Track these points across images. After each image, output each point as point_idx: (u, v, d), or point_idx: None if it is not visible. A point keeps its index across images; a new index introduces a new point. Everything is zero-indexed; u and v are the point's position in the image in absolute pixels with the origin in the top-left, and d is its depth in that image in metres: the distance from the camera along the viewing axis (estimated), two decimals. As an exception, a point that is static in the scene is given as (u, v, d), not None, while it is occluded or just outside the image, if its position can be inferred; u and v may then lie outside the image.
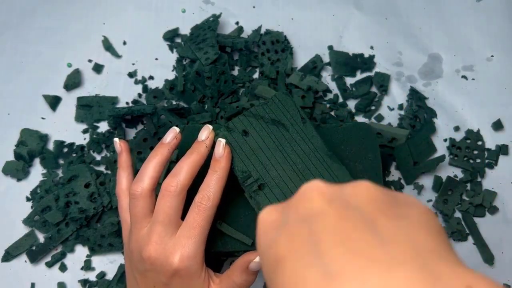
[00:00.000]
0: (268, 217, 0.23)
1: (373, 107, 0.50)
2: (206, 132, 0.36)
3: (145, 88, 0.50)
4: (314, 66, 0.51)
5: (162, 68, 0.51)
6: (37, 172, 0.47)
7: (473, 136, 0.49)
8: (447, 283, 0.16)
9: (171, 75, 0.51)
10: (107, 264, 0.44)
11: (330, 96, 0.50)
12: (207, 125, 0.36)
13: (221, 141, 0.35)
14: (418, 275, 0.16)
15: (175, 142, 0.37)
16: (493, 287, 0.16)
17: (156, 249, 0.33)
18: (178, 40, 0.53)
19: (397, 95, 0.51)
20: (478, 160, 0.48)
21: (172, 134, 0.36)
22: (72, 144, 0.48)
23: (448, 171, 0.48)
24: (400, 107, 0.50)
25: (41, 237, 0.45)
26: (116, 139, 0.39)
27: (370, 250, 0.17)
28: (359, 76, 0.52)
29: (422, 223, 0.19)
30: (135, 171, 0.46)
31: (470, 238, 0.45)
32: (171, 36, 0.53)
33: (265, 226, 0.22)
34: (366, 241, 0.18)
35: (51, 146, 0.48)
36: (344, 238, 0.18)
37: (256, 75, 0.51)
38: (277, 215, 0.22)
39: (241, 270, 0.34)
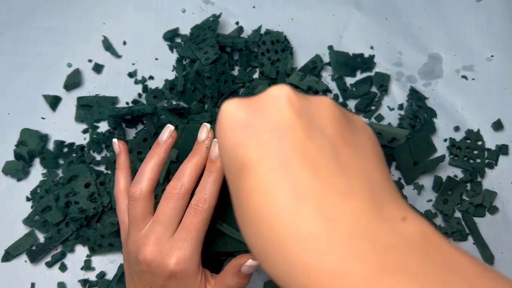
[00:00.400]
0: (233, 112, 0.22)
1: (373, 107, 0.50)
2: (205, 132, 0.36)
3: (145, 88, 0.50)
4: (314, 66, 0.51)
5: (162, 68, 0.51)
6: (37, 172, 0.47)
7: (473, 136, 0.49)
8: (388, 213, 0.18)
9: (171, 75, 0.51)
10: (107, 264, 0.44)
11: (330, 96, 0.50)
12: (205, 124, 0.36)
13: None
14: (367, 205, 0.18)
15: (171, 141, 0.37)
16: (422, 220, 0.18)
17: (153, 251, 0.33)
18: (178, 40, 0.53)
19: (397, 95, 0.51)
20: (478, 160, 0.48)
21: (168, 133, 0.36)
22: (72, 144, 0.48)
23: (448, 171, 0.48)
24: (400, 107, 0.50)
25: (41, 237, 0.45)
26: (114, 140, 0.39)
27: (332, 177, 0.19)
28: (359, 76, 0.52)
29: (372, 152, 0.21)
30: (135, 171, 0.46)
31: (470, 238, 0.45)
32: (171, 36, 0.53)
33: (230, 122, 0.22)
34: (329, 168, 0.19)
35: (51, 146, 0.48)
36: (311, 160, 0.19)
37: (256, 75, 0.51)
38: (244, 114, 0.22)
39: (233, 273, 0.34)
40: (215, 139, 0.35)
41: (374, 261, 0.16)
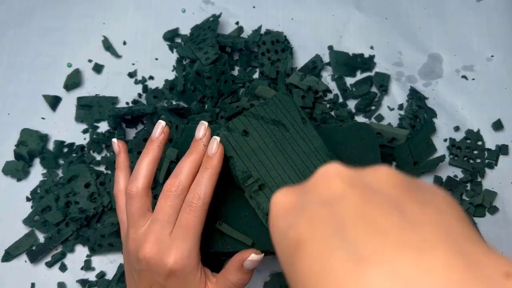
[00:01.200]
0: (283, 200, 0.22)
1: (373, 107, 0.50)
2: (202, 130, 0.36)
3: (145, 88, 0.50)
4: (314, 66, 0.51)
5: (162, 68, 0.51)
6: (37, 172, 0.47)
7: (473, 136, 0.49)
8: (485, 268, 0.15)
9: (171, 75, 0.51)
10: (107, 264, 0.44)
11: (330, 96, 0.50)
12: (202, 122, 0.36)
13: (216, 139, 0.35)
14: (455, 258, 0.15)
15: (164, 137, 0.37)
16: None
17: (152, 249, 0.33)
18: (178, 40, 0.53)
19: (397, 95, 0.51)
20: (478, 160, 0.48)
21: (160, 129, 0.37)
22: (72, 144, 0.48)
23: (448, 171, 0.48)
24: (400, 107, 0.50)
25: (41, 237, 0.45)
26: (114, 140, 0.39)
27: (399, 232, 0.16)
28: (359, 76, 0.52)
29: (449, 209, 0.18)
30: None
31: (470, 238, 0.45)
32: (171, 36, 0.53)
33: (280, 209, 0.21)
34: (394, 224, 0.17)
35: (51, 146, 0.48)
36: (370, 220, 0.17)
37: (256, 75, 0.51)
38: (293, 198, 0.21)
39: (236, 269, 0.34)
40: (214, 136, 0.35)
41: None
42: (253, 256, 0.34)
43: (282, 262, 0.20)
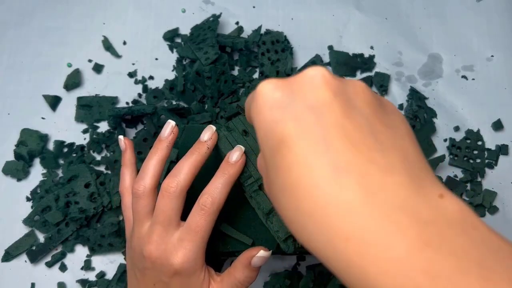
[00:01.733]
0: (270, 93, 0.23)
1: (373, 107, 0.50)
2: (209, 133, 0.36)
3: (145, 88, 0.50)
4: (314, 66, 0.51)
5: (162, 68, 0.51)
6: (37, 172, 0.47)
7: (473, 136, 0.49)
8: (426, 190, 0.19)
9: (171, 75, 0.51)
10: (107, 264, 0.44)
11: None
12: (211, 125, 0.36)
13: (242, 149, 0.35)
14: (408, 181, 0.19)
15: (173, 137, 0.36)
16: (458, 199, 0.19)
17: (157, 248, 0.33)
18: (178, 40, 0.53)
19: (397, 95, 0.51)
20: (478, 160, 0.48)
21: (169, 129, 0.36)
22: (72, 144, 0.48)
23: (448, 171, 0.48)
24: (400, 107, 0.50)
25: (41, 237, 0.45)
26: (120, 137, 0.39)
27: (371, 152, 0.19)
28: (359, 76, 0.52)
29: (406, 133, 0.22)
30: (137, 170, 0.46)
31: (470, 238, 0.45)
32: (171, 36, 0.53)
33: (267, 102, 0.22)
34: (368, 144, 0.19)
35: (51, 146, 0.48)
36: (350, 136, 0.19)
37: (256, 75, 0.51)
38: (280, 94, 0.22)
39: (244, 266, 0.34)
40: (238, 145, 0.35)
41: (415, 235, 0.17)
42: (262, 253, 0.34)
43: (264, 152, 0.22)
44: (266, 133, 0.22)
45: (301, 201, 0.19)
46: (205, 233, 0.33)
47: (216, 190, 0.34)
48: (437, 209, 0.18)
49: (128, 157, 0.39)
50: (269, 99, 0.22)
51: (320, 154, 0.19)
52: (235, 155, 0.35)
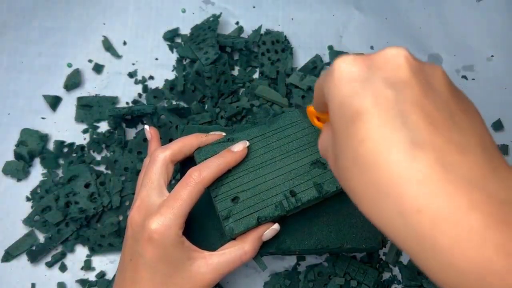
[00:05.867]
0: (348, 67, 0.23)
1: (373, 107, 0.50)
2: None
3: (145, 88, 0.50)
4: (314, 66, 0.51)
5: (162, 68, 0.52)
6: (37, 172, 0.47)
7: (473, 136, 0.49)
8: (502, 171, 0.19)
9: (171, 75, 0.51)
10: (107, 264, 0.44)
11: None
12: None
13: (245, 143, 0.38)
14: (484, 161, 0.19)
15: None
16: None
17: (139, 213, 0.34)
18: (178, 40, 0.53)
19: (397, 95, 0.51)
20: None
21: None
22: (72, 144, 0.48)
23: (448, 171, 0.48)
24: (400, 107, 0.50)
25: (41, 237, 0.45)
26: (146, 127, 0.41)
27: (450, 132, 0.19)
28: (359, 76, 0.52)
29: (480, 120, 0.22)
30: (136, 171, 0.46)
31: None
32: (171, 36, 0.53)
33: (345, 75, 0.22)
34: (445, 122, 0.20)
35: (51, 146, 0.48)
36: (428, 113, 0.20)
37: (256, 75, 0.51)
38: (359, 69, 0.22)
39: (255, 238, 0.36)
40: (246, 141, 0.38)
41: (490, 212, 0.17)
42: (276, 225, 0.37)
43: (336, 126, 0.22)
44: (341, 105, 0.22)
45: (374, 173, 0.19)
46: (184, 203, 0.34)
47: (207, 169, 0.35)
48: (511, 188, 0.18)
49: (154, 149, 0.39)
50: (346, 73, 0.22)
51: (397, 129, 0.19)
52: (238, 146, 0.37)
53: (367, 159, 0.20)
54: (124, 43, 0.53)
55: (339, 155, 0.22)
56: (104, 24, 0.53)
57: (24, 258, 0.44)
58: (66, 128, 0.49)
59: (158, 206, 0.34)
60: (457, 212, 0.17)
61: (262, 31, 0.53)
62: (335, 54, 0.52)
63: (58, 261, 0.44)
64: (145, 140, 0.47)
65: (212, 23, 0.51)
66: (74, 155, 0.48)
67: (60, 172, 0.47)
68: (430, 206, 0.18)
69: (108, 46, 0.52)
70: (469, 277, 0.17)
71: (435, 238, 0.17)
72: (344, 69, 0.23)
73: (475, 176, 0.18)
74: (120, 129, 0.48)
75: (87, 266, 0.44)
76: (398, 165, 0.19)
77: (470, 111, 0.22)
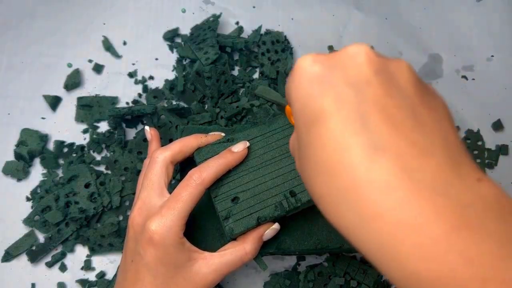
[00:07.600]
0: (309, 66, 0.22)
1: (373, 107, 0.50)
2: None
3: (145, 88, 0.50)
4: (314, 66, 0.51)
5: (162, 68, 0.51)
6: (37, 172, 0.47)
7: (473, 136, 0.49)
8: (465, 173, 0.18)
9: (171, 75, 0.51)
10: (107, 264, 0.44)
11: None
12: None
13: (246, 143, 0.38)
14: (447, 164, 0.18)
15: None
16: (494, 183, 0.18)
17: (140, 214, 0.34)
18: (178, 40, 0.53)
19: (397, 95, 0.51)
20: (478, 160, 0.48)
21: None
22: (72, 144, 0.48)
23: (448, 171, 0.48)
24: (400, 107, 0.50)
25: (41, 237, 0.45)
26: (147, 128, 0.42)
27: (412, 133, 0.19)
28: (359, 76, 0.52)
29: (447, 117, 0.21)
30: (136, 171, 0.46)
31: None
32: (171, 36, 0.53)
33: (305, 75, 0.22)
34: (408, 124, 0.19)
35: (51, 146, 0.48)
36: (390, 116, 0.19)
37: (256, 75, 0.51)
38: (320, 68, 0.22)
39: (255, 239, 0.36)
40: (247, 142, 0.38)
41: (453, 217, 0.17)
42: (277, 225, 0.37)
43: (298, 127, 0.22)
44: (302, 107, 0.21)
45: (335, 178, 0.19)
46: (185, 204, 0.34)
47: (207, 170, 0.35)
48: (475, 193, 0.18)
49: (154, 149, 0.40)
50: (307, 72, 0.22)
51: (357, 131, 0.19)
52: (238, 146, 0.37)
53: (328, 164, 0.19)
54: (124, 43, 0.53)
55: (303, 158, 0.22)
56: (104, 24, 0.53)
57: (24, 258, 0.44)
58: (66, 128, 0.49)
59: (159, 207, 0.34)
60: (419, 219, 0.17)
61: (262, 31, 0.53)
62: (335, 54, 0.52)
63: (58, 261, 0.44)
64: (145, 140, 0.47)
65: (212, 23, 0.51)
66: (74, 155, 0.48)
67: (60, 172, 0.47)
68: (391, 213, 0.17)
69: (108, 46, 0.52)
70: (432, 285, 0.16)
71: (397, 247, 0.17)
72: (305, 69, 0.22)
73: (437, 181, 0.18)
74: (120, 129, 0.48)
75: (87, 266, 0.44)
76: (358, 170, 0.18)
77: (437, 108, 0.21)
